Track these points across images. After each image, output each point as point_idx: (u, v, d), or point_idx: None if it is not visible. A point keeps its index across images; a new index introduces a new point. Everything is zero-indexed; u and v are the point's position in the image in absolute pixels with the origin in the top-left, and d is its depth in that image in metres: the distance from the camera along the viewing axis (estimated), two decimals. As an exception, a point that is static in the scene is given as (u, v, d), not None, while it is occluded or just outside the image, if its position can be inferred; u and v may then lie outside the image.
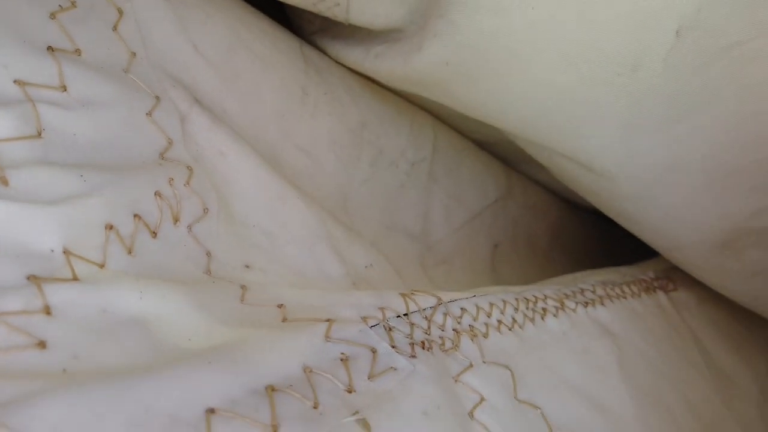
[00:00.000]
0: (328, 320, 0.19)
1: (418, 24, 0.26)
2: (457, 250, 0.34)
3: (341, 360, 0.17)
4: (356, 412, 0.16)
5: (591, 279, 0.29)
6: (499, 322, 0.22)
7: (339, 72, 0.30)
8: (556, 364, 0.23)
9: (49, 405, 0.12)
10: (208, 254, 0.21)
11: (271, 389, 0.15)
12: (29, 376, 0.13)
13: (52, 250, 0.16)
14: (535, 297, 0.25)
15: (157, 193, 0.20)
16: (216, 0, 0.25)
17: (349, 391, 0.16)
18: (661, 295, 0.32)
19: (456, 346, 0.20)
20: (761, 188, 0.26)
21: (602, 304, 0.27)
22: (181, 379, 0.14)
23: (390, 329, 0.19)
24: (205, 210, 0.22)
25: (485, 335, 0.21)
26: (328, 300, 0.20)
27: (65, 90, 0.19)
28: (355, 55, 0.30)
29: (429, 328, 0.20)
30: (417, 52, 0.26)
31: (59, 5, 0.19)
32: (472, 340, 0.21)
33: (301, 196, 0.25)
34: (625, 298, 0.29)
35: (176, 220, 0.20)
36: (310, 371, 0.16)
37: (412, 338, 0.19)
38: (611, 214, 0.31)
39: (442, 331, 0.20)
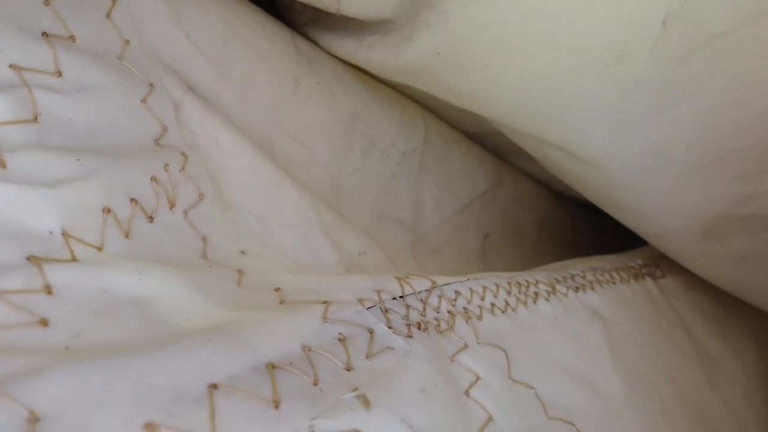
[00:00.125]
0: (325, 302, 0.19)
1: (409, 14, 0.26)
2: (447, 239, 0.35)
3: (339, 340, 0.18)
4: (356, 389, 0.16)
5: (581, 266, 0.29)
6: (492, 305, 0.23)
7: (330, 63, 0.30)
8: (548, 347, 0.23)
9: (53, 379, 0.12)
10: (204, 240, 0.21)
11: (271, 366, 0.15)
12: (32, 352, 0.13)
13: (51, 232, 0.16)
14: (527, 282, 0.25)
15: (153, 178, 0.20)
16: (208, -11, 0.25)
17: (348, 369, 0.17)
18: (649, 281, 0.32)
19: (451, 327, 0.20)
20: (744, 176, 0.27)
21: (592, 289, 0.27)
22: (183, 356, 0.14)
23: (386, 311, 0.19)
24: (201, 196, 0.22)
25: (479, 317, 0.22)
26: (324, 284, 0.20)
27: (60, 75, 0.19)
28: (347, 46, 0.30)
29: (424, 310, 0.20)
30: (408, 42, 0.26)
31: (54, -9, 0.19)
32: (466, 322, 0.21)
33: (295, 183, 0.26)
34: (614, 283, 0.29)
35: (172, 205, 0.20)
36: (309, 350, 0.17)
37: (408, 319, 0.19)
38: (599, 203, 0.32)
39: (437, 313, 0.21)
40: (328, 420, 0.15)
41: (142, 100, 0.21)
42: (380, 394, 0.16)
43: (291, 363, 0.16)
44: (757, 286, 0.32)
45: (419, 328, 0.19)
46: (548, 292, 0.25)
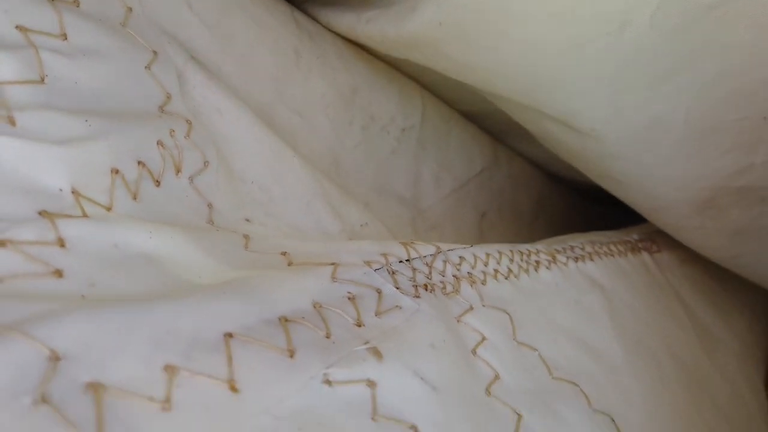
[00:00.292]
0: (332, 264, 0.19)
1: (410, -13, 0.27)
2: (446, 216, 0.35)
3: (348, 298, 0.18)
4: (367, 342, 0.16)
5: (579, 239, 0.30)
6: (496, 271, 0.23)
7: (330, 38, 0.30)
8: (550, 312, 0.23)
9: (73, 321, 0.12)
10: (210, 206, 0.21)
11: (284, 320, 0.15)
12: (49, 298, 0.13)
13: (61, 190, 0.16)
14: (528, 251, 0.25)
15: (159, 143, 0.20)
16: (209, -40, 0.25)
17: (359, 325, 0.17)
18: (645, 255, 0.33)
19: (456, 290, 0.21)
20: (741, 147, 0.27)
21: (591, 260, 0.28)
22: (199, 306, 0.14)
23: (393, 272, 0.20)
24: (206, 163, 0.22)
25: (483, 282, 0.22)
26: (331, 248, 0.21)
27: (66, 38, 0.19)
28: (347, 21, 0.30)
29: (430, 273, 0.21)
30: (410, 13, 0.26)
31: (58, -47, 0.19)
32: (471, 286, 0.21)
33: (296, 154, 0.26)
34: (612, 256, 0.30)
35: (178, 170, 0.21)
36: (320, 306, 0.17)
37: (414, 281, 0.20)
38: (597, 178, 0.32)
39: (443, 276, 0.21)
40: (342, 369, 0.15)
41: (146, 67, 0.21)
42: (391, 347, 0.16)
43: (303, 317, 0.16)
44: (752, 259, 0.32)
45: (426, 289, 0.19)
46: (549, 261, 0.26)
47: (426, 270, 0.21)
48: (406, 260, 0.21)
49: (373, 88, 0.31)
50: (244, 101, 0.25)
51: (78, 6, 0.20)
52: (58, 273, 0.14)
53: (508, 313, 0.21)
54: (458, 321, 0.20)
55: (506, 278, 0.23)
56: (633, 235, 0.34)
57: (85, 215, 0.16)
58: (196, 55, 0.24)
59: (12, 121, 0.16)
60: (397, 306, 0.18)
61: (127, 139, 0.19)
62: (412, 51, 0.28)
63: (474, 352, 0.19)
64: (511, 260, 0.24)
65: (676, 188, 0.29)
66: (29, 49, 0.18)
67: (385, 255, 0.20)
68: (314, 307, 0.17)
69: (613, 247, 0.30)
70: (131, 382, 0.12)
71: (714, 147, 0.27)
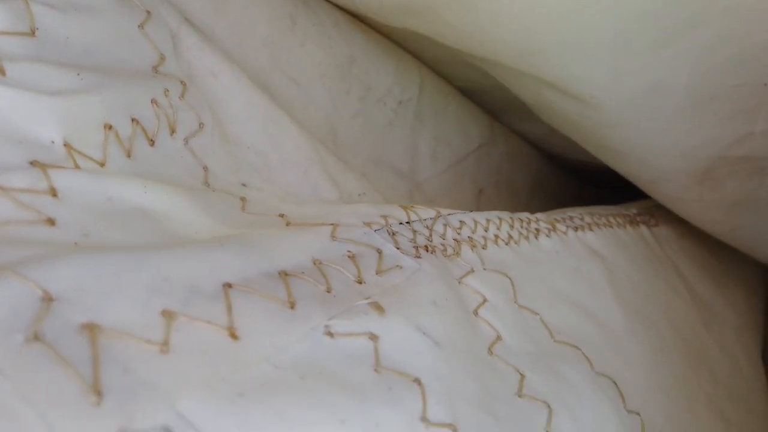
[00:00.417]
0: (332, 224, 0.19)
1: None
2: (443, 191, 0.35)
3: (348, 257, 0.17)
4: (368, 298, 0.16)
5: (578, 210, 0.29)
6: (496, 236, 0.23)
7: (327, 7, 0.30)
8: (551, 279, 0.23)
9: (66, 264, 0.12)
10: (205, 168, 0.21)
11: (284, 274, 0.15)
12: (42, 243, 0.13)
13: (53, 142, 0.16)
14: (528, 219, 0.25)
15: (153, 101, 0.19)
16: None
17: (359, 282, 0.16)
18: (643, 228, 0.32)
19: (457, 253, 0.20)
20: (741, 115, 0.27)
21: (591, 230, 0.28)
22: (196, 256, 0.14)
23: (393, 234, 0.19)
24: (201, 125, 0.21)
25: (484, 247, 0.22)
26: (329, 210, 0.20)
27: (56, -8, 0.18)
28: (343, -13, 0.29)
29: (431, 235, 0.20)
30: (408, -23, 0.26)
31: None
32: (471, 249, 0.21)
33: (293, 121, 0.25)
34: (611, 227, 0.29)
35: (173, 131, 0.20)
36: (320, 263, 0.16)
37: (415, 242, 0.19)
38: (594, 148, 0.32)
39: (443, 239, 0.21)
40: (343, 321, 0.14)
41: (139, 26, 0.21)
42: (393, 302, 0.16)
43: (303, 272, 0.16)
44: (750, 231, 0.32)
45: (427, 251, 0.19)
46: (549, 230, 0.25)
47: (426, 232, 0.20)
48: (407, 222, 0.20)
49: (370, 58, 0.31)
50: (239, 66, 0.24)
51: (69, -39, 0.19)
52: (51, 221, 0.13)
53: (509, 277, 0.21)
54: (459, 282, 0.19)
55: (506, 244, 0.23)
56: (632, 209, 0.34)
57: (77, 167, 0.16)
58: (189, 17, 0.23)
59: (2, 71, 0.16)
60: (397, 265, 0.18)
61: (120, 95, 0.18)
62: (410, 18, 0.28)
63: (475, 312, 0.19)
64: (511, 226, 0.24)
65: (676, 158, 0.29)
66: (19, 1, 0.17)
67: (385, 217, 0.20)
68: (314, 263, 0.16)
69: (612, 219, 0.30)
70: (128, 326, 0.11)
71: (714, 114, 0.27)
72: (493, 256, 0.22)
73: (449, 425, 0.14)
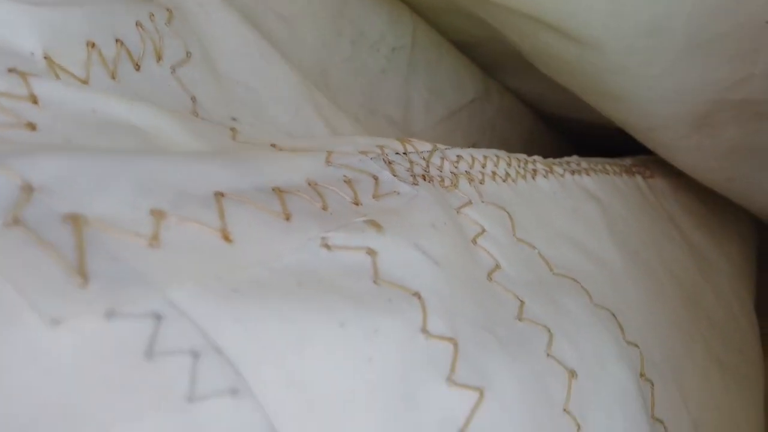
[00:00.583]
0: (327, 151, 0.18)
1: None
2: (436, 143, 0.34)
3: (344, 181, 0.17)
4: (366, 215, 0.15)
5: (574, 157, 0.29)
6: (494, 173, 0.22)
7: (316, -53, 0.29)
8: (548, 218, 0.23)
9: (49, 158, 0.11)
10: (194, 99, 0.20)
11: (278, 190, 0.15)
12: (23, 143, 0.12)
13: (32, 53, 0.15)
14: (525, 159, 0.25)
15: (138, 23, 0.19)
16: None
17: (356, 204, 0.16)
18: (639, 179, 0.32)
19: (455, 184, 0.20)
20: (743, 56, 0.26)
21: (587, 174, 0.27)
22: (186, 162, 0.13)
23: (390, 162, 0.19)
24: (188, 54, 0.20)
25: (481, 182, 0.21)
26: (323, 140, 0.20)
27: None
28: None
29: (427, 166, 0.20)
30: None
31: None
32: (469, 183, 0.20)
33: (285, 59, 0.24)
34: (607, 174, 0.29)
35: (159, 57, 0.19)
36: (315, 184, 0.16)
37: (412, 172, 0.19)
38: (593, 95, 0.31)
39: (441, 172, 0.20)
40: (341, 234, 0.14)
41: (122, -51, 0.20)
42: (391, 220, 0.15)
43: (298, 190, 0.15)
44: (745, 181, 0.32)
45: (424, 179, 0.19)
46: (546, 171, 0.25)
47: (423, 164, 0.20)
48: (404, 153, 0.20)
49: (363, 2, 0.30)
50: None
51: None
52: (31, 126, 0.13)
53: (507, 212, 0.20)
54: (458, 212, 0.19)
55: (504, 181, 0.22)
56: (627, 160, 0.33)
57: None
58: (174, -54, 0.22)
59: (-24, -23, 0.15)
60: (394, 191, 0.17)
61: (103, 13, 0.17)
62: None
63: (474, 241, 0.18)
64: (509, 165, 0.23)
65: (674, 102, 0.28)
66: None
67: (381, 147, 0.19)
68: (309, 184, 0.16)
69: (608, 167, 0.30)
70: (114, 219, 0.11)
71: (714, 56, 0.26)
72: (491, 192, 0.21)
73: (450, 339, 0.14)
